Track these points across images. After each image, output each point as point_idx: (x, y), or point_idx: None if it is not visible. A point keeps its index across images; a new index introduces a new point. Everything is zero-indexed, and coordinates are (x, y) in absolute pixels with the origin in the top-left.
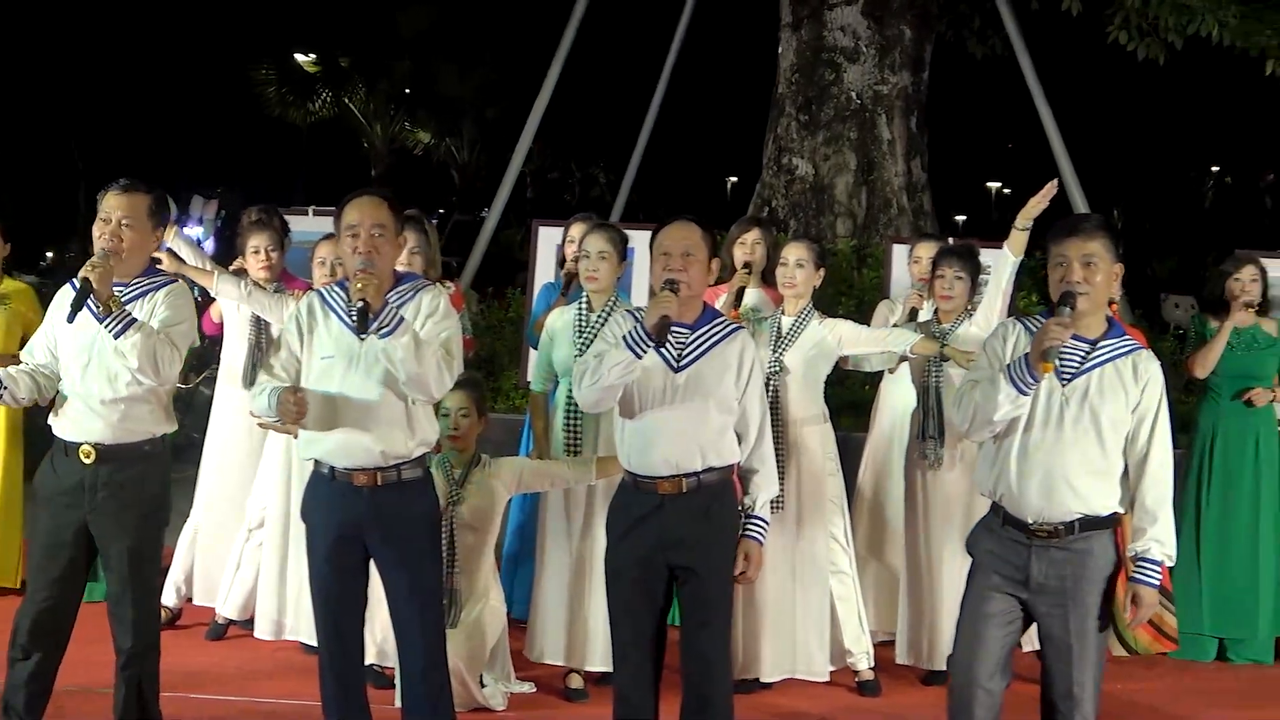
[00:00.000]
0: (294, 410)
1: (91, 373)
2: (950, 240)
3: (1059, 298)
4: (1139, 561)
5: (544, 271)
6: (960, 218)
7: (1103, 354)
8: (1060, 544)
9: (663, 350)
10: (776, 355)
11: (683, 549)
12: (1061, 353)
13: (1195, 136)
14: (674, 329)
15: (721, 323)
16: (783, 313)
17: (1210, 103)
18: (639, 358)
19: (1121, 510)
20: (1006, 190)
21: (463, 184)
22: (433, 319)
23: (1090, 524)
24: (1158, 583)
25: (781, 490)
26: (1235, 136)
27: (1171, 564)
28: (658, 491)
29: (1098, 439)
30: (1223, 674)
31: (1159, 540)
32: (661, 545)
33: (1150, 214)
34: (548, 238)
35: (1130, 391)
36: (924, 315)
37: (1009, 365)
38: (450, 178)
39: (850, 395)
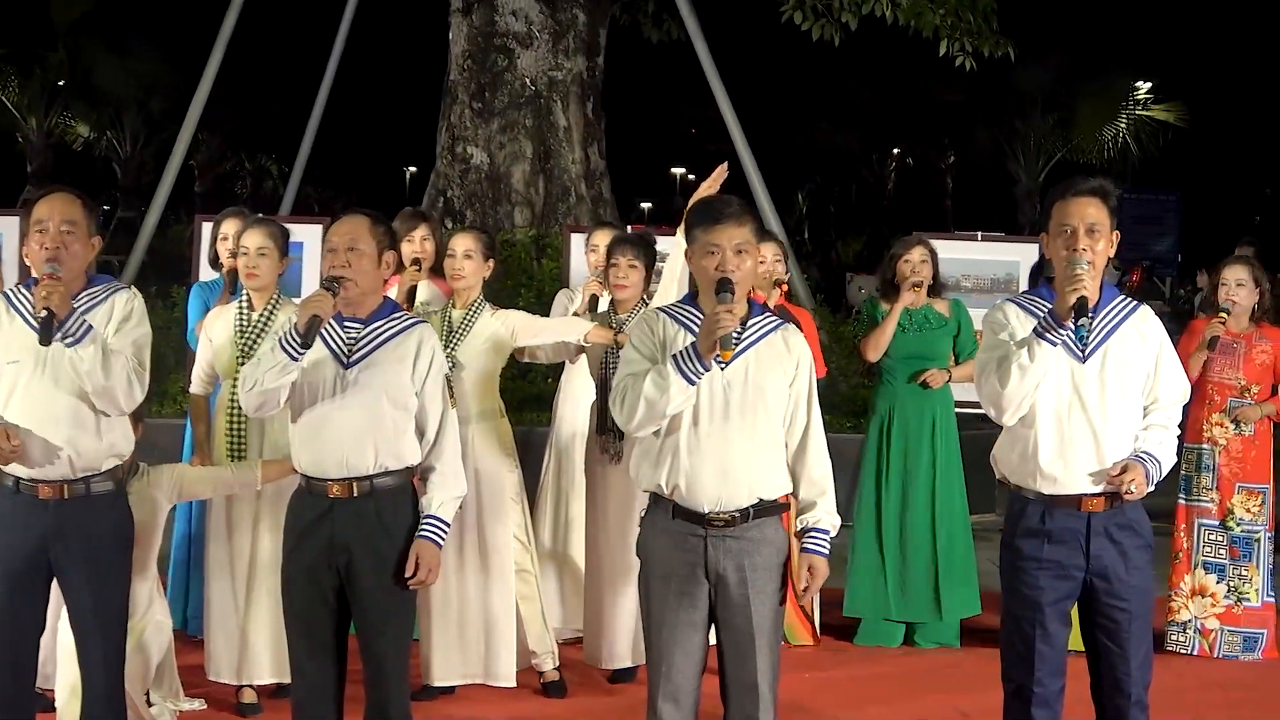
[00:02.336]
0: (7, 454)
1: None
2: (629, 228)
3: (717, 285)
4: (811, 533)
5: (207, 269)
6: (645, 204)
7: (754, 333)
8: (736, 532)
9: (334, 345)
10: (449, 350)
11: (354, 555)
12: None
13: (876, 118)
14: (346, 324)
15: (399, 317)
16: (453, 306)
17: (889, 84)
18: (294, 360)
19: (787, 492)
20: (691, 175)
21: (126, 179)
22: (126, 325)
23: (764, 509)
24: (829, 552)
25: None
26: (915, 118)
27: (834, 533)
28: (328, 495)
29: (765, 419)
30: (910, 659)
31: (829, 511)
32: (332, 550)
33: (834, 196)
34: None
35: (786, 367)
36: (604, 304)
37: (674, 357)
38: (114, 172)
39: (533, 389)
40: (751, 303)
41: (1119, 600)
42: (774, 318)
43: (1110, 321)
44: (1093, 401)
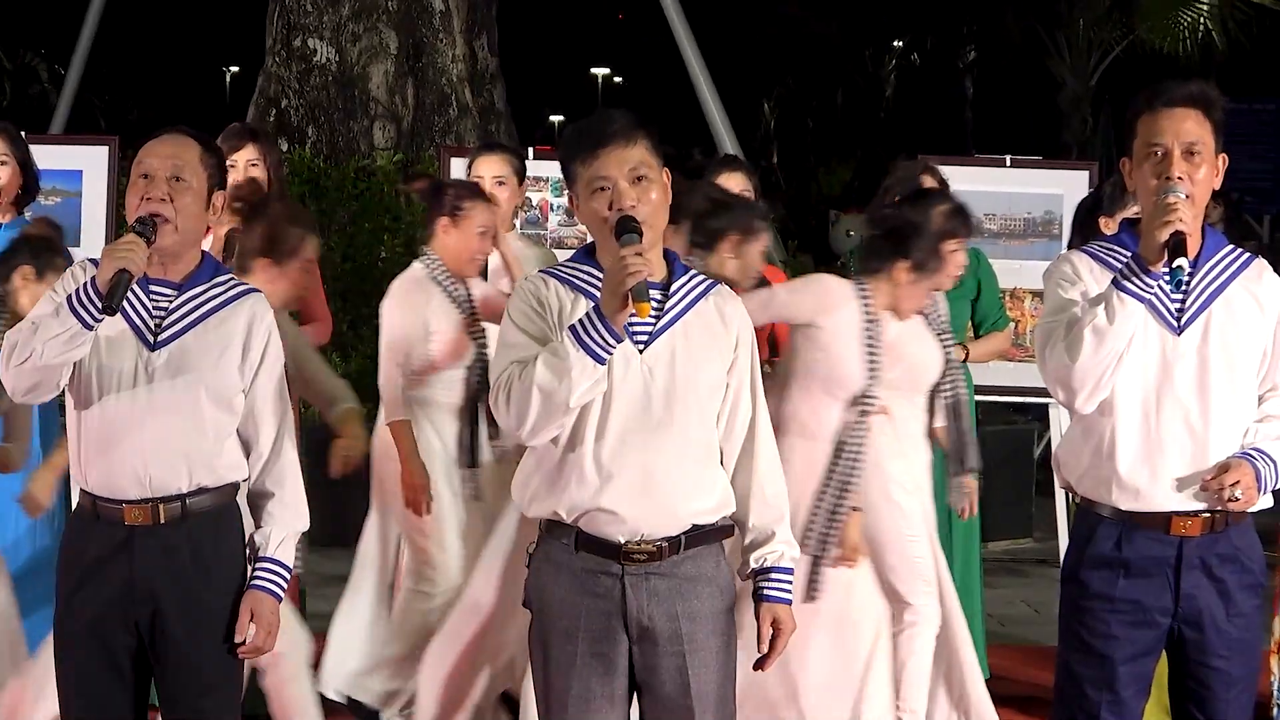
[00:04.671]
0: None
1: None
2: (532, 150)
3: (617, 227)
4: (772, 575)
5: None
6: (555, 118)
7: (678, 301)
8: (662, 569)
9: (136, 318)
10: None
11: (160, 604)
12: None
13: (868, 0)
14: (153, 289)
15: (225, 282)
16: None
17: None
18: (89, 328)
19: (731, 513)
20: (618, 78)
21: None
22: None
23: (700, 537)
24: (792, 598)
25: None
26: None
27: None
28: (125, 522)
29: (699, 417)
30: None
31: (789, 541)
32: (130, 597)
33: (812, 108)
34: None
35: (722, 345)
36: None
37: (572, 329)
38: None
39: None
40: (672, 258)
41: (1215, 657)
42: (701, 277)
43: (1215, 280)
44: (1190, 388)
